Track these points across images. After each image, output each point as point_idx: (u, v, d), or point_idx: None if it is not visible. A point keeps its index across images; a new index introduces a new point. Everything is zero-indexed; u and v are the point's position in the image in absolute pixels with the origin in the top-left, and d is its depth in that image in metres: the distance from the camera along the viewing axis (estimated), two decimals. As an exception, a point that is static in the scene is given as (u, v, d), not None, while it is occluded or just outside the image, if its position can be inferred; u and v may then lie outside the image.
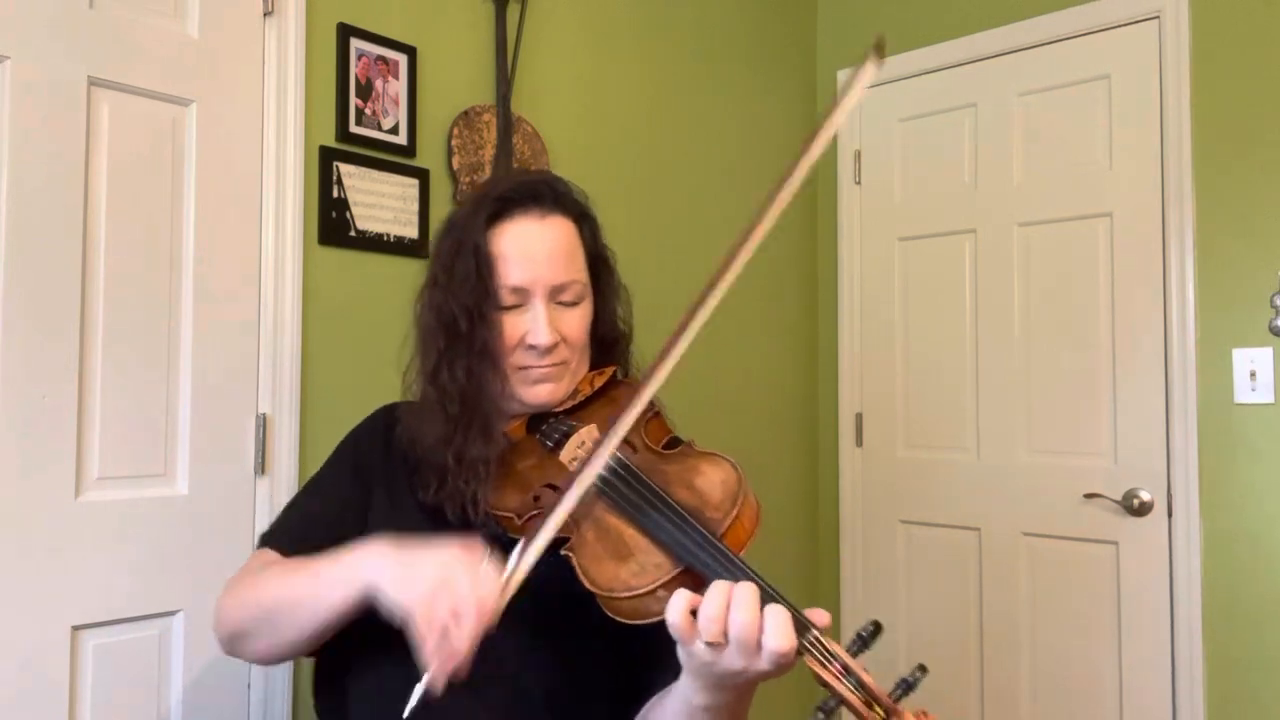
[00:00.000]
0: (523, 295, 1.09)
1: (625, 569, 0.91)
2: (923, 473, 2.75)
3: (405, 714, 0.88)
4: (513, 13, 2.10)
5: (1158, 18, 2.37)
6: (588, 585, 0.92)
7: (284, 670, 1.70)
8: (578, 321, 1.13)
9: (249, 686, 1.66)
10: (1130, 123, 2.42)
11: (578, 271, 1.13)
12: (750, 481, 0.97)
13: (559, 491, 0.96)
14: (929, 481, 2.74)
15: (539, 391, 1.11)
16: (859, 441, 2.89)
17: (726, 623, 0.81)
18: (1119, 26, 2.44)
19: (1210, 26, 2.30)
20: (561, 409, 1.12)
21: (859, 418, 2.90)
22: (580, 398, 1.13)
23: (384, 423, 1.21)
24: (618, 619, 0.91)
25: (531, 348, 1.09)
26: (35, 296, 1.44)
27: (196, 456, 1.61)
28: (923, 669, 0.82)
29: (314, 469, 1.28)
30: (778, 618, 0.81)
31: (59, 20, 1.47)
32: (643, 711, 1.02)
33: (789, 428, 2.91)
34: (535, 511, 1.00)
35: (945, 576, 2.69)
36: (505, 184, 1.14)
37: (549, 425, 1.11)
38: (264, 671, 1.67)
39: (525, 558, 0.91)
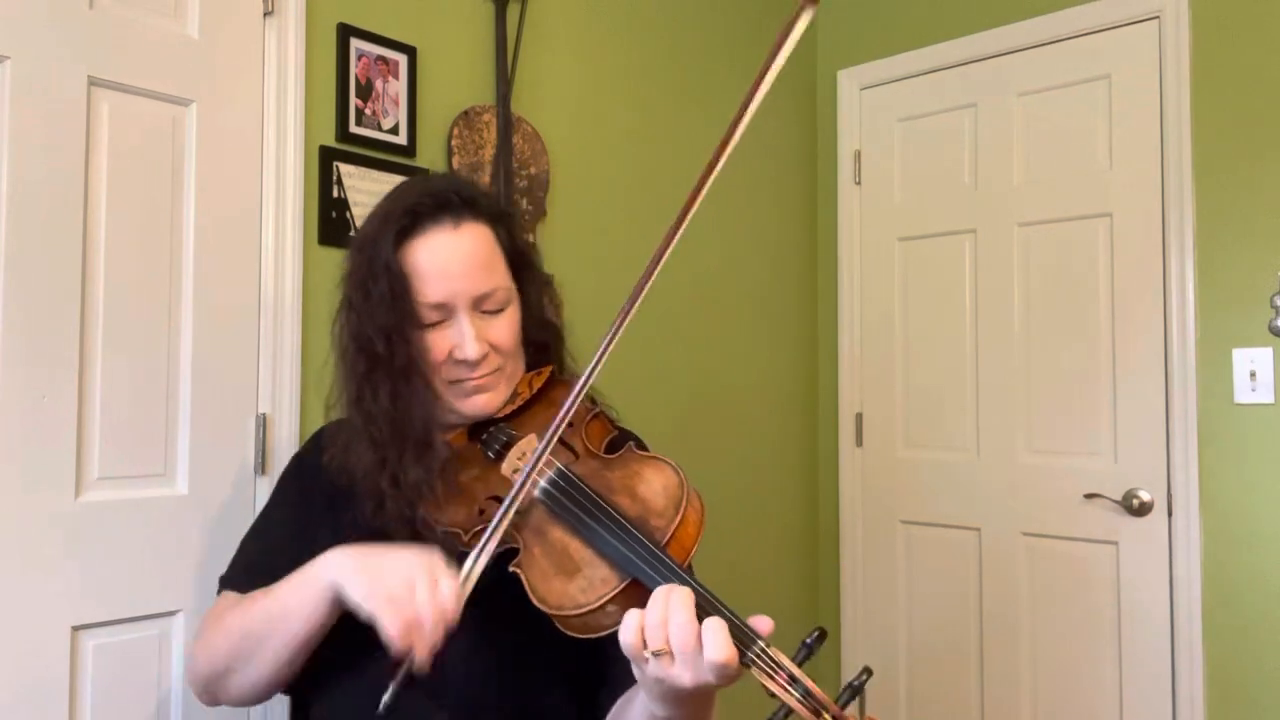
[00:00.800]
0: (445, 310, 1.07)
1: (573, 585, 0.92)
2: (923, 473, 2.75)
3: (381, 708, 0.89)
4: (513, 13, 2.10)
5: (1158, 18, 2.37)
6: (537, 604, 0.93)
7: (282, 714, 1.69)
8: (505, 328, 1.11)
9: (249, 686, 1.66)
10: (1130, 123, 2.42)
11: (499, 277, 1.10)
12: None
13: (501, 502, 0.96)
14: (929, 481, 2.74)
15: (476, 402, 1.10)
16: (859, 441, 2.89)
17: (667, 630, 0.81)
18: (1119, 26, 2.44)
19: (1210, 26, 2.30)
20: (502, 415, 1.11)
21: (859, 418, 2.90)
22: (520, 401, 1.12)
23: (320, 448, 1.18)
24: (569, 634, 0.92)
25: (461, 362, 1.07)
26: (35, 296, 1.44)
27: (196, 456, 1.61)
28: (868, 671, 0.83)
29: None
30: (715, 630, 0.80)
31: (59, 20, 1.47)
32: (613, 711, 1.03)
33: (789, 428, 2.91)
34: (481, 526, 0.99)
35: (945, 577, 2.69)
36: (411, 195, 1.10)
37: (490, 434, 1.10)
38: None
39: (479, 562, 0.93)
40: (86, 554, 1.48)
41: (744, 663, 0.82)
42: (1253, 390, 2.21)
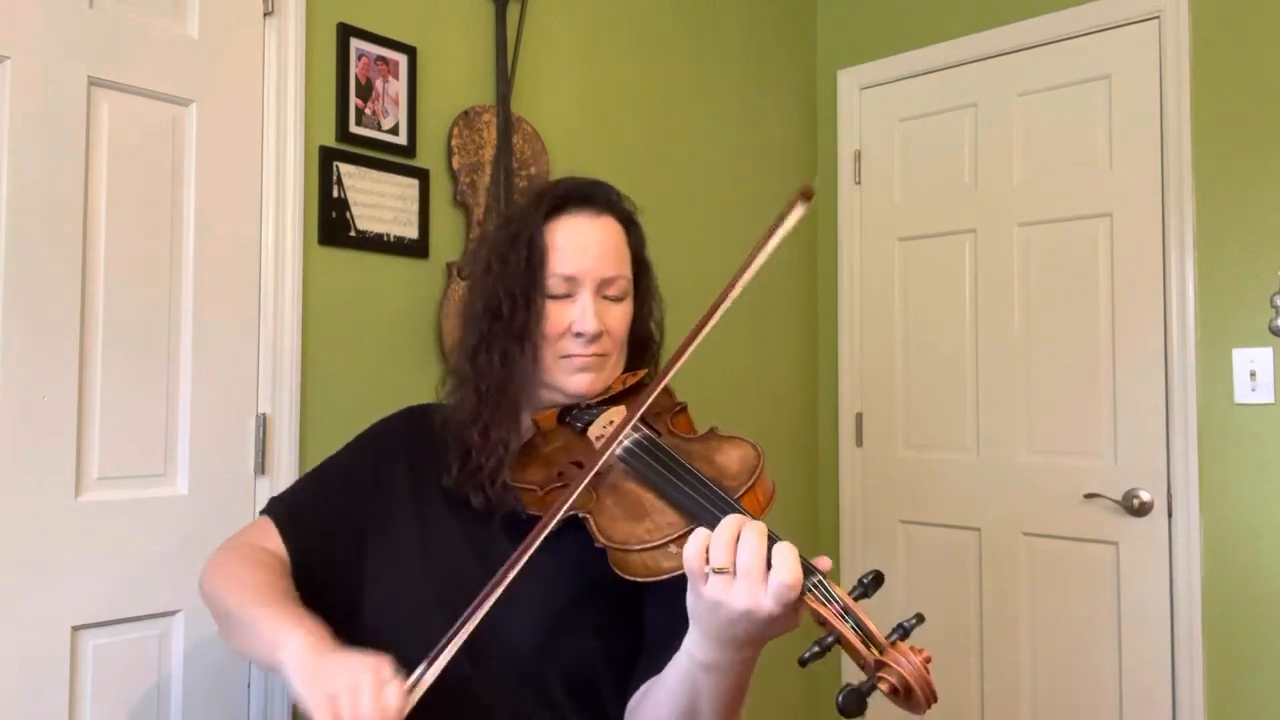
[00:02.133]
0: (572, 285, 1.14)
1: (640, 527, 0.94)
2: (923, 473, 2.75)
3: None
4: (513, 13, 2.10)
5: (1158, 18, 2.37)
6: (601, 540, 0.94)
7: (282, 712, 1.69)
8: (620, 316, 1.18)
9: (249, 686, 1.66)
10: (1130, 123, 2.42)
11: (624, 268, 1.19)
12: None
13: (583, 467, 1.00)
14: (929, 481, 2.74)
15: (579, 381, 1.15)
16: (859, 441, 2.89)
17: (735, 550, 0.83)
18: (1119, 26, 2.44)
19: (1210, 26, 2.30)
20: (593, 402, 1.16)
21: (859, 418, 2.90)
22: (611, 392, 1.18)
23: (412, 416, 1.27)
24: (628, 576, 0.94)
25: (578, 335, 1.13)
26: (35, 296, 1.44)
27: (196, 456, 1.61)
28: (919, 617, 0.84)
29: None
30: (785, 550, 0.83)
31: (59, 20, 1.47)
32: (643, 689, 1.03)
33: (789, 428, 2.91)
34: (558, 484, 1.04)
35: (945, 576, 2.69)
36: (564, 185, 1.21)
37: (576, 413, 1.15)
38: (263, 672, 1.67)
39: (435, 666, 0.93)
40: (86, 554, 1.48)
41: (800, 591, 0.83)
42: (1253, 390, 2.21)
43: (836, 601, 0.83)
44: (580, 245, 1.15)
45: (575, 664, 1.07)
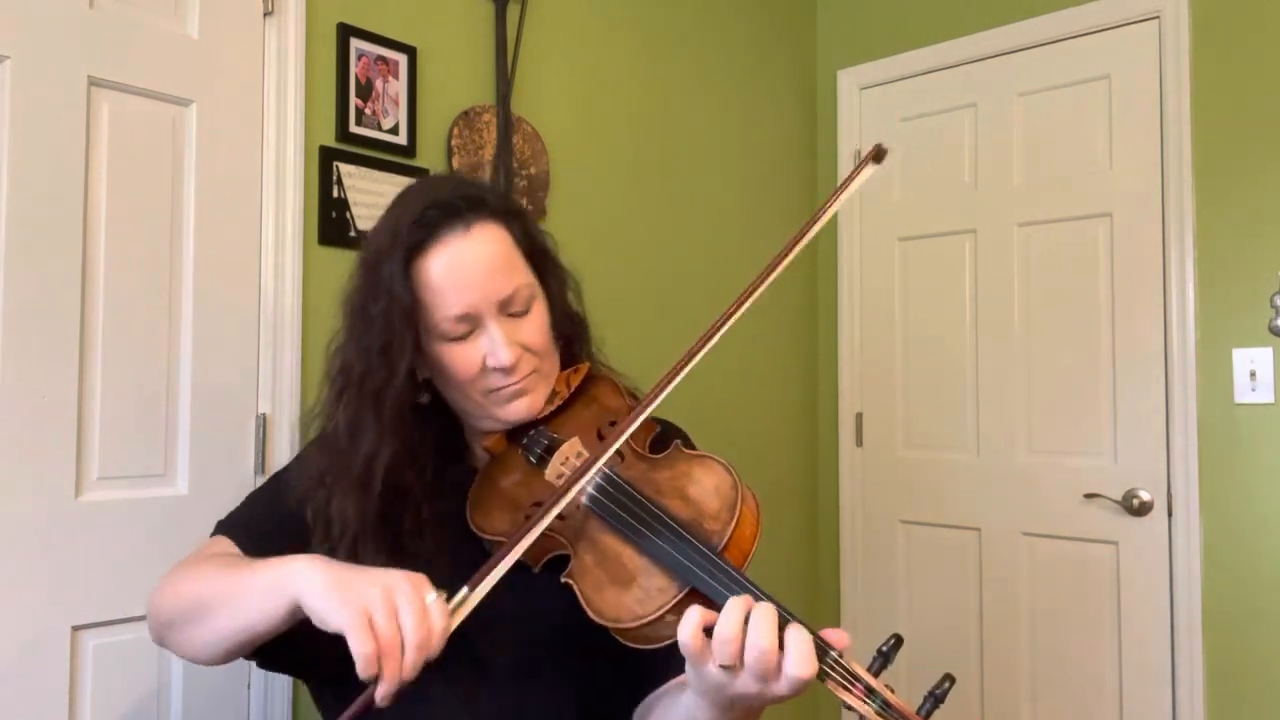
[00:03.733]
0: (471, 320, 1.02)
1: (629, 596, 0.88)
2: (923, 473, 2.75)
3: None
4: (513, 13, 2.10)
5: (1158, 18, 2.37)
6: (594, 618, 0.89)
7: (283, 711, 1.70)
8: (535, 327, 1.06)
9: (249, 686, 1.66)
10: (1130, 123, 2.41)
11: (520, 276, 1.05)
12: (749, 481, 0.95)
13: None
14: (929, 481, 2.74)
15: (517, 408, 1.05)
16: (859, 441, 2.89)
17: (743, 644, 0.77)
18: (1119, 26, 2.44)
19: (1210, 26, 2.30)
20: (541, 416, 1.07)
21: (859, 418, 2.90)
22: (559, 400, 1.08)
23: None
24: (629, 645, 0.89)
25: (497, 369, 1.02)
26: (35, 296, 1.44)
27: (196, 456, 1.61)
28: (950, 679, 0.79)
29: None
30: (800, 643, 0.77)
31: (59, 20, 1.47)
32: (644, 705, 1.01)
33: (789, 428, 2.91)
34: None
35: (945, 576, 2.69)
36: (416, 205, 1.03)
37: (530, 438, 1.06)
38: (264, 672, 1.67)
39: (478, 590, 0.85)
40: (86, 554, 1.48)
41: (819, 676, 0.79)
42: (1253, 390, 2.21)
43: (860, 683, 0.78)
44: (461, 279, 1.00)
45: (559, 696, 1.03)
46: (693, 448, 1.02)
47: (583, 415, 1.07)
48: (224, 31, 1.67)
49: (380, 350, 1.00)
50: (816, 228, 1.00)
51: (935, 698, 0.77)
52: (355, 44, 1.83)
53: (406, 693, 0.82)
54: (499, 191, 1.12)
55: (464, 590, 0.85)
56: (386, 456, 1.01)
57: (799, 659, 0.77)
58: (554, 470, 1.02)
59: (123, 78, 1.54)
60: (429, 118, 1.95)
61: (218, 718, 1.62)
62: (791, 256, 0.98)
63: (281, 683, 1.69)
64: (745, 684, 0.78)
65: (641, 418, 0.95)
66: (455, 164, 1.97)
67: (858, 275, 2.92)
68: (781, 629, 0.79)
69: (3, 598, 1.39)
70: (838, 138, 2.96)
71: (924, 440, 2.76)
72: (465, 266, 1.01)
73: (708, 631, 0.79)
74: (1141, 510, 2.35)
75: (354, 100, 1.83)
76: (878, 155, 1.01)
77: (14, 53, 1.43)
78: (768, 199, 2.82)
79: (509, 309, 1.03)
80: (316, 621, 0.85)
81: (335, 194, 1.80)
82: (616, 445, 0.94)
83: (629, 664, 1.00)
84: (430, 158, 1.95)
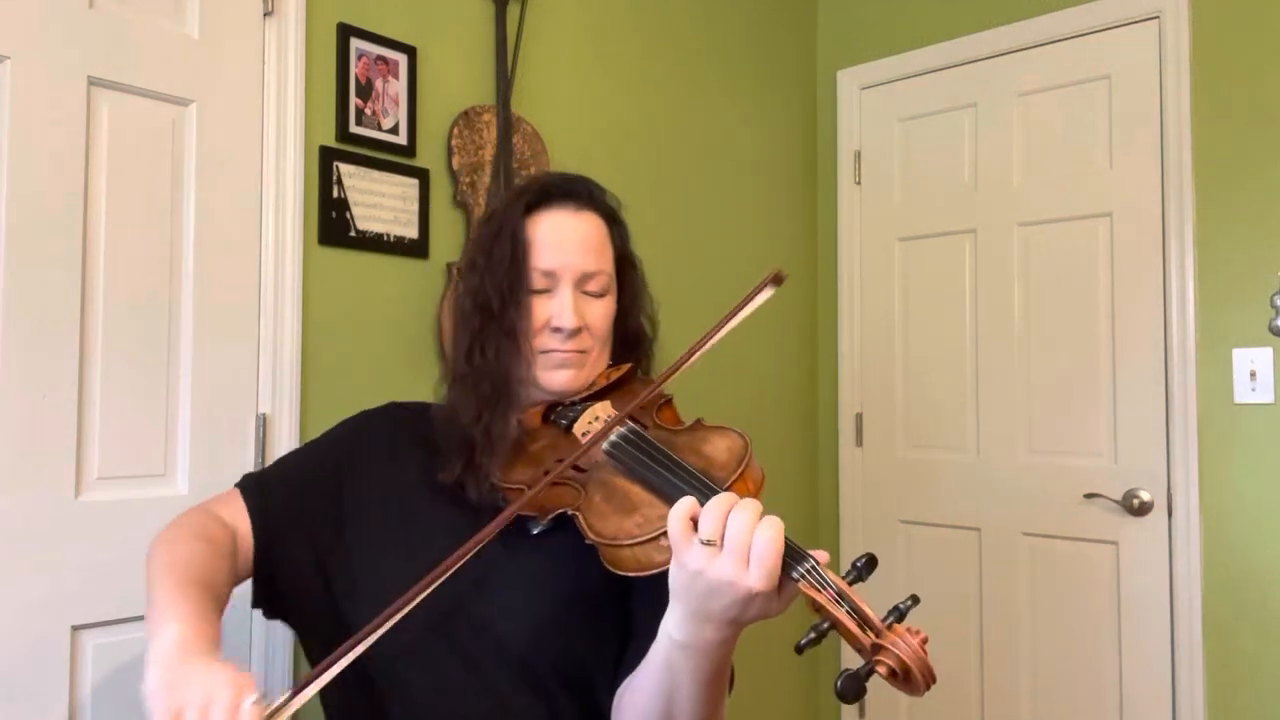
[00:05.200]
0: (552, 279, 1.13)
1: (629, 520, 0.93)
2: (923, 473, 2.75)
3: None
4: (513, 13, 2.09)
5: (1158, 18, 2.37)
6: (591, 537, 0.94)
7: (284, 669, 1.70)
8: (602, 312, 1.17)
9: (249, 686, 1.66)
10: (1130, 123, 2.42)
11: (605, 264, 1.17)
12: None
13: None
14: (929, 481, 2.74)
15: (560, 376, 1.14)
16: (859, 441, 2.89)
17: (725, 524, 0.83)
18: (1119, 26, 2.44)
19: (1210, 26, 2.30)
20: (577, 398, 1.15)
21: (859, 418, 2.90)
22: (595, 389, 1.16)
23: (393, 410, 1.27)
24: (619, 572, 0.93)
25: (557, 330, 1.12)
26: (35, 296, 1.44)
27: (196, 456, 1.61)
28: (914, 599, 0.83)
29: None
30: (770, 522, 0.83)
31: (59, 20, 1.47)
32: (628, 679, 1.03)
33: (789, 428, 2.91)
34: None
35: (945, 576, 2.69)
36: (546, 179, 1.20)
37: (561, 410, 1.14)
38: (263, 672, 1.67)
39: (299, 697, 0.87)
40: (86, 554, 1.48)
41: (793, 577, 0.83)
42: (1253, 390, 2.21)
43: (831, 587, 0.82)
44: (559, 240, 1.15)
45: (567, 659, 1.07)
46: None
47: (616, 401, 1.14)
48: (224, 31, 1.67)
49: (511, 288, 1.12)
50: (716, 339, 1.08)
51: (899, 611, 0.82)
52: (355, 44, 1.83)
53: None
54: (616, 202, 1.26)
55: (285, 694, 0.87)
56: (531, 379, 1.14)
57: (767, 527, 0.83)
58: (581, 427, 1.09)
59: (123, 78, 1.54)
60: (429, 118, 1.95)
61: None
62: (690, 364, 1.06)
63: (281, 681, 1.69)
64: (721, 568, 0.83)
65: (674, 374, 1.04)
66: (455, 164, 1.97)
67: (858, 275, 2.92)
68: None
69: (3, 598, 1.39)
70: (838, 138, 2.96)
71: (924, 440, 2.76)
72: (567, 232, 1.15)
73: (694, 522, 0.85)
74: (1141, 510, 2.35)
75: (354, 100, 1.83)
76: (777, 279, 1.10)
77: (14, 53, 1.43)
78: (768, 199, 2.82)
79: (585, 286, 1.15)
80: (143, 689, 0.88)
81: (335, 194, 1.80)
82: (641, 400, 1.02)
83: (616, 633, 1.06)
84: (430, 158, 1.95)
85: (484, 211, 1.22)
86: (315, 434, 1.73)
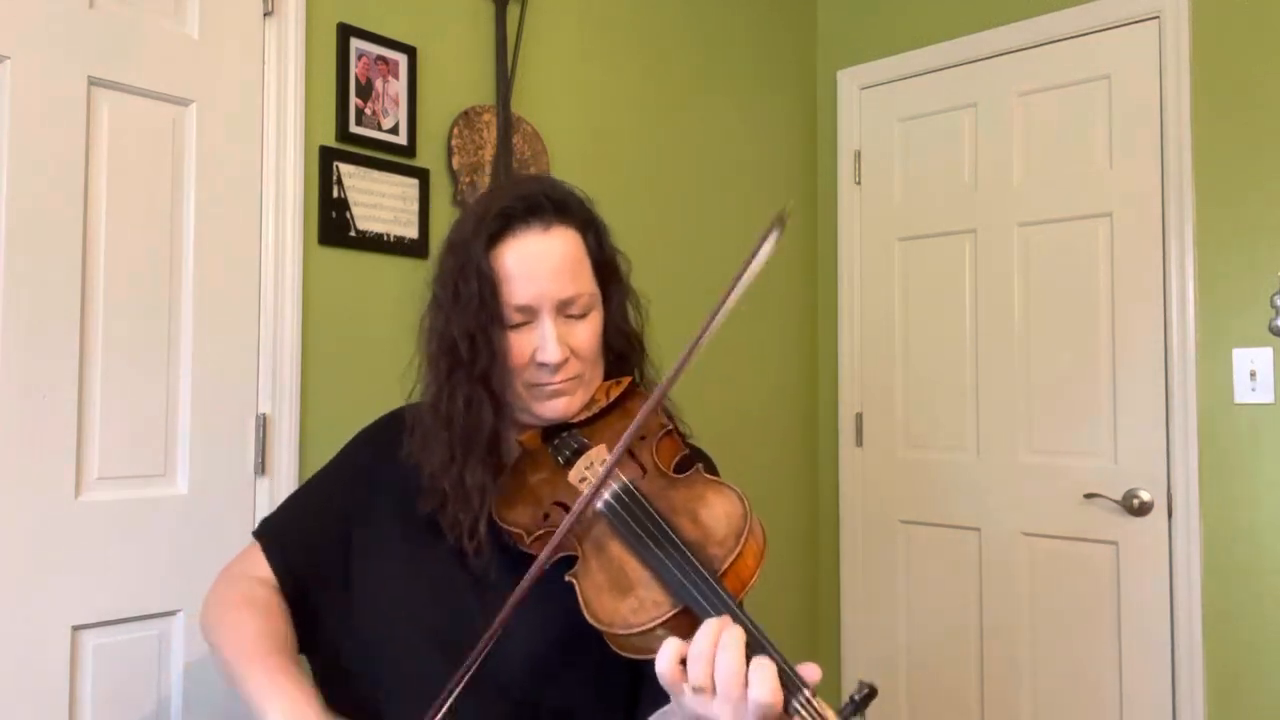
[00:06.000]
0: (530, 313, 1.07)
1: (625, 604, 0.91)
2: (923, 473, 2.75)
3: None
4: (513, 13, 2.10)
5: (1158, 18, 2.37)
6: (590, 619, 0.92)
7: None
8: (588, 334, 1.10)
9: (249, 686, 1.66)
10: (1130, 123, 2.41)
11: (585, 283, 1.10)
12: (749, 482, 0.97)
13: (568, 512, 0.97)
14: (929, 481, 2.74)
15: (554, 406, 1.09)
16: (859, 441, 2.89)
17: (712, 666, 0.81)
18: (1119, 26, 2.44)
19: (1210, 26, 2.30)
20: (576, 420, 1.11)
21: (859, 418, 2.90)
22: (596, 408, 1.12)
23: (394, 431, 1.20)
24: (622, 654, 0.92)
25: (542, 365, 1.07)
26: (35, 296, 1.44)
27: (196, 456, 1.61)
28: (872, 690, 0.81)
29: (314, 469, 1.29)
30: (763, 669, 0.80)
31: (59, 20, 1.47)
32: None
33: (789, 428, 2.91)
34: (544, 530, 1.01)
35: (945, 576, 2.69)
36: (504, 198, 1.11)
37: (562, 439, 1.10)
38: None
39: None
40: (86, 554, 1.48)
41: (787, 711, 0.81)
42: (1253, 390, 2.21)
43: None
44: (530, 270, 1.06)
45: (568, 698, 1.06)
46: (715, 475, 1.04)
47: (616, 425, 1.10)
48: (224, 31, 1.67)
49: (481, 329, 1.06)
50: (731, 301, 1.00)
51: None
52: (355, 44, 1.83)
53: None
54: (584, 202, 1.16)
55: None
56: (505, 428, 1.10)
57: (761, 684, 0.79)
58: (577, 473, 1.05)
59: (123, 78, 1.54)
60: (429, 118, 1.95)
61: (218, 717, 1.62)
62: (712, 332, 0.99)
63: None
64: (717, 709, 0.81)
65: (647, 414, 0.99)
66: (455, 164, 1.97)
67: (858, 275, 2.92)
68: (751, 656, 0.81)
69: (3, 598, 1.39)
70: (838, 138, 2.96)
71: (924, 440, 2.76)
72: (536, 260, 1.07)
73: (684, 664, 0.83)
74: (1141, 510, 2.35)
75: (354, 100, 1.83)
76: (781, 222, 1.02)
77: (14, 53, 1.43)
78: (768, 199, 2.82)
79: (567, 311, 1.08)
80: None
81: (335, 194, 1.80)
82: (625, 443, 0.97)
83: (630, 676, 1.04)
84: (430, 158, 1.95)
85: (444, 241, 1.16)
86: (315, 434, 1.74)
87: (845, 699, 0.81)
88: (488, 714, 1.03)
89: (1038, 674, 2.51)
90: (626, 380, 1.15)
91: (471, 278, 1.06)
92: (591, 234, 1.13)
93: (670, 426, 1.08)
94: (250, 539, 1.21)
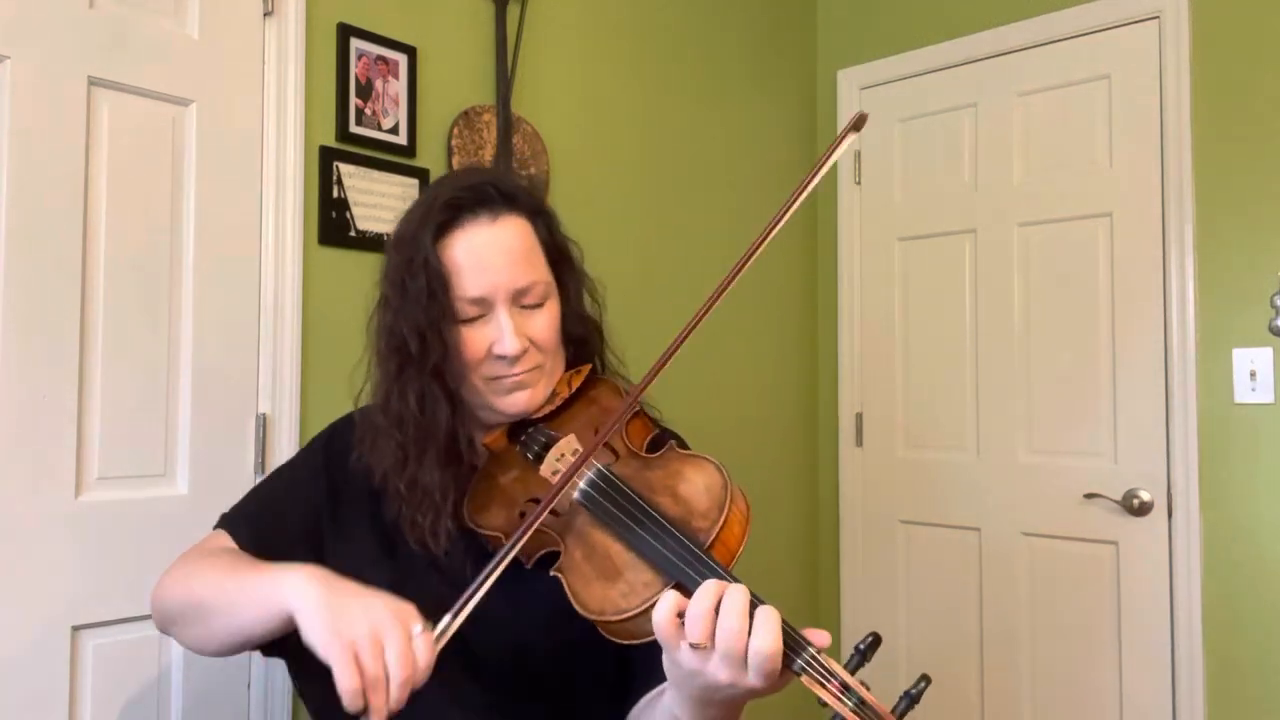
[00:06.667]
0: (484, 305, 1.04)
1: (615, 590, 0.89)
2: (923, 473, 2.75)
3: None
4: (513, 13, 2.10)
5: (1158, 18, 2.37)
6: (580, 610, 0.90)
7: (283, 670, 1.69)
8: (545, 323, 1.08)
9: (249, 686, 1.66)
10: (1130, 123, 2.42)
11: (538, 271, 1.07)
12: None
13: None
14: (929, 481, 2.74)
15: (516, 400, 1.06)
16: (859, 441, 2.89)
17: (714, 623, 0.78)
18: (1119, 26, 2.44)
19: (1210, 26, 2.30)
20: (540, 415, 1.08)
21: (859, 418, 2.90)
22: (559, 400, 1.09)
23: (346, 437, 1.17)
24: (616, 640, 0.90)
25: (500, 358, 1.04)
26: (35, 296, 1.44)
27: (196, 456, 1.61)
28: (925, 679, 0.80)
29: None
30: (766, 618, 0.77)
31: (59, 20, 1.47)
32: (632, 713, 1.02)
33: (789, 428, 2.91)
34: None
35: (945, 577, 2.69)
36: (449, 189, 1.07)
37: (529, 435, 1.07)
38: (264, 671, 1.67)
39: (460, 616, 0.87)
40: (86, 554, 1.48)
41: (794, 670, 0.79)
42: (1253, 390, 2.21)
43: (835, 679, 0.78)
44: (481, 260, 1.03)
45: (556, 690, 1.04)
46: (687, 449, 1.02)
47: (581, 415, 1.08)
48: (224, 31, 1.67)
49: (431, 324, 1.02)
50: (796, 205, 0.98)
51: (910, 697, 0.78)
52: (355, 44, 1.83)
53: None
54: (532, 189, 1.15)
55: (446, 619, 0.87)
56: (464, 426, 1.07)
57: (764, 632, 0.77)
58: (549, 466, 1.03)
59: (123, 78, 1.54)
60: (429, 118, 1.95)
61: (217, 717, 1.62)
62: (780, 226, 0.97)
63: (281, 683, 1.69)
64: (716, 669, 0.78)
65: (631, 406, 0.97)
66: (455, 164, 1.97)
67: (858, 275, 2.92)
68: (752, 610, 0.79)
69: (3, 598, 1.39)
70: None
71: (924, 440, 2.76)
72: (487, 250, 1.04)
73: (681, 617, 0.80)
74: (1141, 510, 2.35)
75: (354, 100, 1.83)
76: (858, 123, 1.00)
77: (14, 53, 1.43)
78: (768, 199, 2.82)
79: (522, 300, 1.06)
80: (305, 640, 0.87)
81: (335, 194, 1.80)
82: (605, 437, 0.96)
83: (617, 666, 1.02)
84: (430, 158, 1.95)
85: (391, 236, 1.12)
86: (314, 434, 1.73)
87: (852, 651, 0.81)
88: (473, 709, 1.02)
89: (1038, 674, 2.51)
90: (586, 368, 1.13)
91: (419, 272, 1.03)
92: (541, 222, 1.11)
93: (638, 408, 1.06)
94: (213, 528, 1.18)
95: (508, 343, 1.03)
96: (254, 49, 1.72)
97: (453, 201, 1.05)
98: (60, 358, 1.46)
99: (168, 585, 1.08)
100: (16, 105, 1.43)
